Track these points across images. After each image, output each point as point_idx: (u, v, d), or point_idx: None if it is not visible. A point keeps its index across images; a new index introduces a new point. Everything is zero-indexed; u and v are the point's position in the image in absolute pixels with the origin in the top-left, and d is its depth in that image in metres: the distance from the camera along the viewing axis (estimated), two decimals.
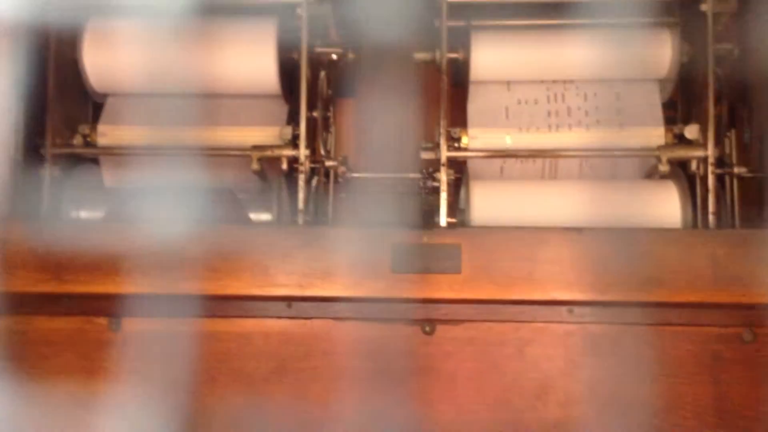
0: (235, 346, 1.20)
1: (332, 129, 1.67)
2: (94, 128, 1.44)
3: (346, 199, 1.67)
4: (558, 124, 1.43)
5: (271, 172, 1.40)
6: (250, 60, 1.43)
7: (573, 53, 1.45)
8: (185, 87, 1.45)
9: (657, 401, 1.15)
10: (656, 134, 1.40)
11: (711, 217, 1.29)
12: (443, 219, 1.31)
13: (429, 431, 1.17)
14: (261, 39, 1.43)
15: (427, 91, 1.57)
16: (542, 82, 1.48)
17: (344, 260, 1.14)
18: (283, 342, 1.19)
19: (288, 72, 1.45)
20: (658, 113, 1.43)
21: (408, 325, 1.18)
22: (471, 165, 1.44)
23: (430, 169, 1.43)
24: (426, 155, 1.41)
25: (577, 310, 1.16)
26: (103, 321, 1.21)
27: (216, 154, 1.40)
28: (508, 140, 1.43)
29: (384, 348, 1.18)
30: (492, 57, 1.46)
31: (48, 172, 1.36)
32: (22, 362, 1.20)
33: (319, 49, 1.47)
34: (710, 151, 1.32)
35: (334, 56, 1.50)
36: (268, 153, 1.36)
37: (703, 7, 1.33)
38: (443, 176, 1.33)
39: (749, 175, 1.42)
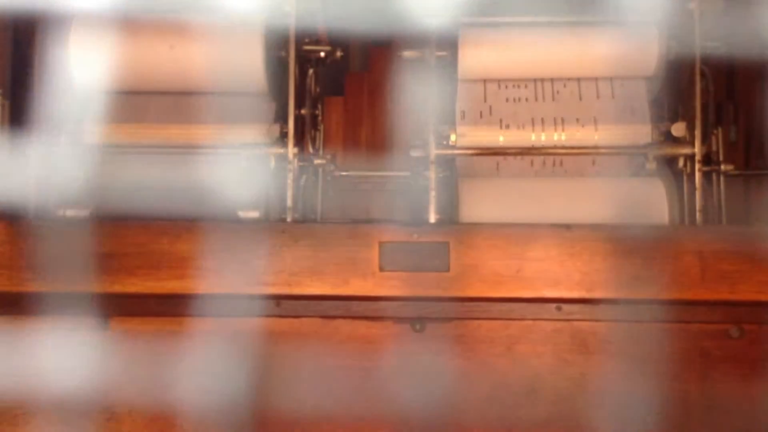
0: (223, 345, 1.19)
1: (320, 127, 1.66)
2: (80, 126, 1.43)
3: (334, 196, 1.67)
4: (546, 122, 1.44)
5: (258, 170, 1.39)
6: (238, 57, 1.43)
7: (561, 51, 1.45)
8: (172, 84, 1.45)
9: (645, 398, 1.16)
10: (644, 132, 1.40)
11: (698, 215, 1.30)
12: (432, 216, 1.31)
13: (419, 429, 1.17)
14: (248, 36, 1.42)
15: (416, 89, 1.56)
16: (530, 79, 1.48)
17: (333, 258, 1.14)
18: (272, 341, 1.19)
19: (276, 69, 1.44)
20: (646, 111, 1.43)
21: (397, 323, 1.18)
22: (466, 163, 1.44)
23: (419, 167, 1.43)
24: (415, 153, 1.41)
25: (565, 307, 1.16)
26: (90, 321, 1.20)
27: (203, 152, 1.40)
28: (498, 138, 1.43)
29: (373, 346, 1.18)
30: (480, 55, 1.46)
31: (35, 170, 1.35)
32: (9, 362, 1.19)
33: (307, 47, 1.46)
34: (697, 149, 1.32)
35: (323, 54, 1.49)
36: (256, 151, 1.36)
37: (691, 4, 1.34)
38: (432, 174, 1.33)
39: (736, 172, 1.43)
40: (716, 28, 1.39)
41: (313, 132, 1.59)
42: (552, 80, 1.48)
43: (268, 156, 1.37)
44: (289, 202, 1.31)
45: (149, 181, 1.42)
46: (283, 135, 1.36)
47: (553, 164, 1.45)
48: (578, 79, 1.47)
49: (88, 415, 1.18)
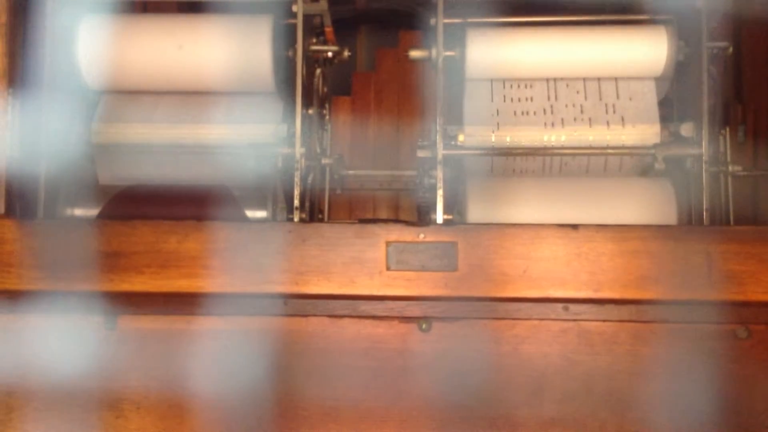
0: (230, 344, 1.20)
1: (328, 126, 1.67)
2: (88, 126, 1.44)
3: (341, 196, 1.67)
4: (554, 122, 1.44)
5: (266, 169, 1.40)
6: (246, 57, 1.43)
7: (569, 51, 1.45)
8: (180, 85, 1.45)
9: (651, 398, 1.16)
10: (652, 132, 1.40)
11: (705, 215, 1.29)
12: (439, 216, 1.31)
13: (426, 428, 1.17)
14: (256, 36, 1.43)
15: (424, 89, 1.57)
16: (538, 79, 1.48)
17: (340, 258, 1.14)
18: (279, 339, 1.19)
19: (283, 69, 1.45)
20: (655, 111, 1.43)
21: (404, 323, 1.18)
22: (473, 162, 1.44)
23: (426, 167, 1.43)
24: (422, 153, 1.41)
25: (572, 307, 1.17)
26: (98, 319, 1.20)
27: (212, 152, 1.40)
28: (506, 138, 1.43)
29: (380, 345, 1.18)
30: (487, 55, 1.46)
31: (43, 170, 1.35)
32: (18, 359, 1.20)
33: (314, 47, 1.46)
34: (704, 149, 1.32)
35: (330, 54, 1.49)
36: (264, 151, 1.36)
37: (698, 3, 1.33)
38: (439, 174, 1.33)
39: (743, 173, 1.42)
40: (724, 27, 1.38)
41: (320, 132, 1.59)
42: (560, 80, 1.48)
43: (275, 155, 1.37)
44: (297, 202, 1.32)
45: (157, 181, 1.42)
46: (291, 134, 1.36)
47: (561, 164, 1.45)
48: (587, 79, 1.47)
49: (97, 413, 1.19)
